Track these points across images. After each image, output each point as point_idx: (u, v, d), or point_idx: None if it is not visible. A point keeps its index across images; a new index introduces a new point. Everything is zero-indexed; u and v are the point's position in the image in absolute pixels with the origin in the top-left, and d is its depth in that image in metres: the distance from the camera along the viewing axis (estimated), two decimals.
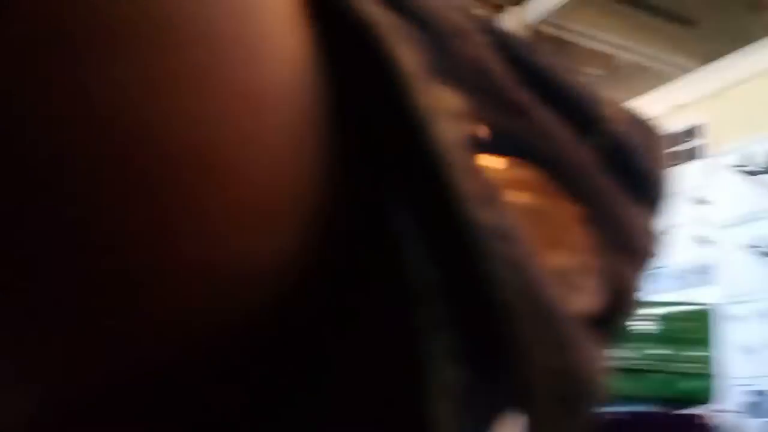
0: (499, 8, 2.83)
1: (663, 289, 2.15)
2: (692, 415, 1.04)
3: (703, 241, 2.11)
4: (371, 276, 0.16)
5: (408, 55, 0.14)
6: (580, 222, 0.18)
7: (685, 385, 1.34)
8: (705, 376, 1.37)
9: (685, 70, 2.66)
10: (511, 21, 2.85)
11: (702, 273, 2.09)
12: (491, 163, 0.17)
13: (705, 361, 1.38)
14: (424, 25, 0.16)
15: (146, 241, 0.11)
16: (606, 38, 2.84)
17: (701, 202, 2.13)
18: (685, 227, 2.14)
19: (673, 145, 2.27)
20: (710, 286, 2.04)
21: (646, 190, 0.21)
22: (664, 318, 1.41)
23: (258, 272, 0.13)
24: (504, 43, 0.18)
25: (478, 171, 0.15)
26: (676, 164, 2.23)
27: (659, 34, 2.85)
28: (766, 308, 1.85)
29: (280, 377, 0.16)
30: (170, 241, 0.12)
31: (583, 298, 0.18)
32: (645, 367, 1.42)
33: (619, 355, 1.52)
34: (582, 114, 0.19)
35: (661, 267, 2.19)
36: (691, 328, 1.39)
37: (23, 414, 0.14)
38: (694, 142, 2.30)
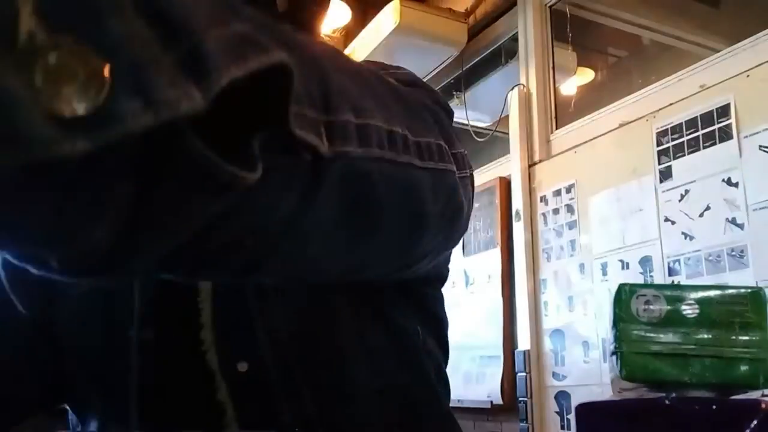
0: None
1: (696, 273, 2.12)
2: (755, 402, 1.00)
3: (734, 223, 2.07)
4: None
5: None
6: None
7: (737, 369, 1.31)
8: (758, 360, 1.33)
9: (711, 51, 2.62)
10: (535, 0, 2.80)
11: (734, 256, 2.05)
12: None
13: (759, 345, 1.34)
14: None
15: None
16: (630, 18, 2.79)
17: (731, 183, 2.10)
18: (716, 210, 2.11)
19: (702, 127, 2.23)
20: (743, 269, 2.01)
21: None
22: (710, 301, 1.37)
23: None
24: None
25: None
26: (706, 146, 2.19)
27: (684, 14, 2.80)
28: None
29: None
30: None
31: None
32: (691, 352, 1.39)
33: (664, 339, 1.49)
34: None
35: (694, 251, 2.15)
36: (741, 311, 1.35)
37: None
38: (722, 123, 2.27)
